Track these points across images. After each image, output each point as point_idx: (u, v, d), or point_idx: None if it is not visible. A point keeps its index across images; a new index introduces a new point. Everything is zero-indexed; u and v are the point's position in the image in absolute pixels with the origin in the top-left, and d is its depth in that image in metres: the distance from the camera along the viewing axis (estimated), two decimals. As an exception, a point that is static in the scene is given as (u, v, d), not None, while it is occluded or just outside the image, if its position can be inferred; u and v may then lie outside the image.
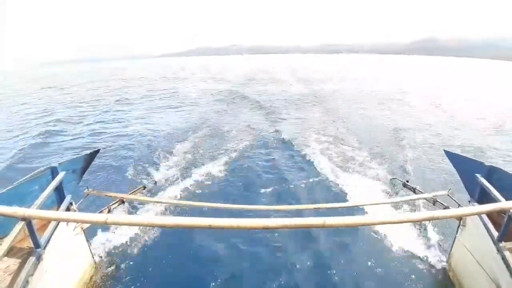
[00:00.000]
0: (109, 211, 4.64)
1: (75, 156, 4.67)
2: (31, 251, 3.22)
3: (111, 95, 25.18)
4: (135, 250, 5.24)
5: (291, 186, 7.92)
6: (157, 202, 6.54)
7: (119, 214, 4.87)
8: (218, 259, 5.04)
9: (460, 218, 4.15)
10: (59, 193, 4.04)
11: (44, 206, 3.35)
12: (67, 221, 3.62)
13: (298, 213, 5.08)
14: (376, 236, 5.53)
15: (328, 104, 19.67)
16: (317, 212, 4.21)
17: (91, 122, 16.09)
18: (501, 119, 15.57)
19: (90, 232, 4.62)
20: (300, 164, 9.42)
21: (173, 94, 25.41)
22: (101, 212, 4.46)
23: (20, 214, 2.70)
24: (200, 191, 7.62)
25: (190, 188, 7.72)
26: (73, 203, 4.21)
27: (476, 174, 4.00)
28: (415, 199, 5.88)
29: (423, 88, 27.66)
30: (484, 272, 3.46)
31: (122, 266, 4.87)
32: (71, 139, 12.98)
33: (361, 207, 6.14)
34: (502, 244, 3.23)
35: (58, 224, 3.69)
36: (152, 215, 6.25)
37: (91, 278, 4.49)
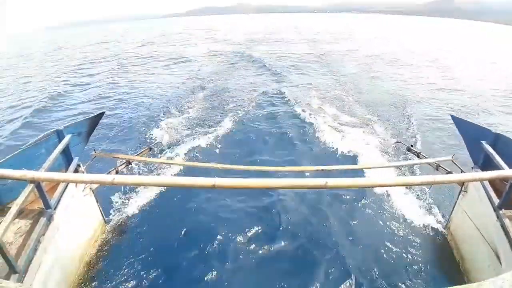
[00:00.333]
0: (116, 172, 4.74)
1: (80, 119, 4.69)
2: (41, 212, 3.34)
3: (113, 59, 24.76)
4: (143, 210, 5.44)
5: (294, 148, 8.00)
6: (162, 162, 6.67)
7: (125, 174, 4.98)
8: (221, 219, 5.20)
9: (462, 184, 4.18)
10: (66, 155, 4.10)
11: (52, 168, 3.42)
12: (75, 182, 3.69)
13: (301, 175, 5.16)
14: (377, 199, 5.63)
15: (334, 66, 19.21)
16: (320, 174, 4.26)
17: (94, 85, 16.02)
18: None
19: (100, 193, 4.74)
20: (304, 126, 9.42)
21: (177, 56, 24.90)
22: (108, 173, 4.57)
23: (29, 177, 2.78)
24: (204, 152, 7.74)
25: (194, 149, 7.83)
26: (81, 165, 4.29)
27: (481, 141, 3.97)
28: (418, 164, 5.90)
29: (435, 51, 26.57)
30: (483, 238, 3.54)
31: (131, 225, 5.08)
32: (74, 103, 13.01)
33: (364, 169, 6.19)
34: (502, 211, 3.27)
35: (67, 186, 3.80)
36: (158, 175, 6.42)
37: (101, 236, 4.70)
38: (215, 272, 4.15)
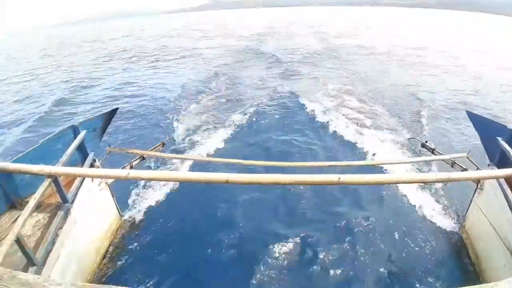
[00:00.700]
0: (131, 167, 4.82)
1: (94, 115, 4.78)
2: (59, 206, 3.43)
3: (123, 56, 24.94)
4: (157, 204, 5.57)
5: (307, 143, 7.98)
6: (176, 157, 6.75)
7: (140, 169, 5.07)
8: (234, 214, 5.26)
9: (477, 181, 4.12)
10: (82, 151, 4.19)
11: (69, 163, 3.49)
12: (91, 176, 3.80)
13: (314, 170, 5.17)
14: (391, 195, 5.61)
15: (346, 60, 19.02)
16: (333, 169, 4.25)
17: (107, 82, 16.21)
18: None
19: (115, 188, 4.84)
20: (317, 121, 9.41)
21: (188, 51, 24.98)
22: (123, 168, 4.65)
23: (47, 172, 2.86)
24: (217, 147, 7.79)
25: (207, 144, 7.89)
26: (96, 160, 4.38)
27: (497, 137, 3.90)
28: (433, 160, 5.83)
29: (448, 45, 26.02)
30: (499, 237, 3.48)
31: (146, 218, 5.20)
32: (88, 101, 13.21)
33: (377, 166, 6.15)
34: (519, 209, 3.19)
35: (83, 180, 3.89)
36: (172, 170, 6.51)
37: (117, 230, 4.81)
38: (230, 267, 4.22)
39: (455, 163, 4.51)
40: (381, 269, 4.13)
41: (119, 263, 4.27)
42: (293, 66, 17.22)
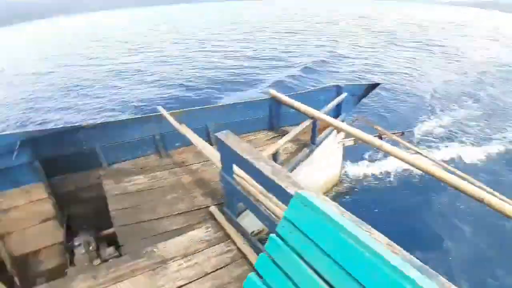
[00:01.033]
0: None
1: (357, 83, 5.36)
2: (307, 144, 4.32)
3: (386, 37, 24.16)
4: (379, 179, 5.86)
5: None
6: (412, 149, 6.59)
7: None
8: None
9: None
10: (337, 108, 4.89)
11: (327, 113, 4.21)
12: (346, 132, 4.11)
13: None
14: None
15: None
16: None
17: (368, 57, 16.67)
18: None
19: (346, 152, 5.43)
20: None
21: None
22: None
23: (311, 113, 3.67)
24: (468, 164, 6.80)
25: (454, 154, 7.07)
26: (345, 121, 5.03)
27: None
28: None
29: None
30: None
31: (361, 189, 5.62)
32: (344, 69, 14.24)
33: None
34: None
35: (330, 133, 4.63)
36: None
37: (334, 186, 5.52)
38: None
39: None
40: None
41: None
42: None
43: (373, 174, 6.04)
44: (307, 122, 3.89)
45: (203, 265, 2.64)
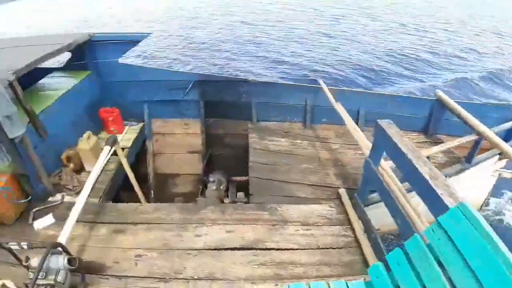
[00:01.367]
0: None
1: None
2: (461, 160, 3.90)
3: None
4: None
5: None
6: None
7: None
8: None
9: None
10: (510, 132, 4.18)
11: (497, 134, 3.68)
12: None
13: None
14: None
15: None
16: None
17: None
18: None
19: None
20: None
21: None
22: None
23: (478, 129, 3.30)
24: None
25: None
26: None
27: None
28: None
29: None
30: None
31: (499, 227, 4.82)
32: None
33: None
34: None
35: (491, 157, 3.99)
36: None
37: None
38: None
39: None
40: None
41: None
42: None
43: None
44: (471, 137, 3.48)
45: (317, 238, 2.79)
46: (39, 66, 3.16)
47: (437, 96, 4.38)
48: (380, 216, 2.87)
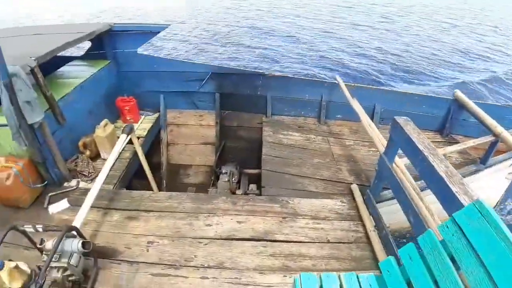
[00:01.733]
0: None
1: None
2: (475, 160, 3.83)
3: None
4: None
5: None
6: None
7: None
8: None
9: None
10: None
11: None
12: None
13: None
14: None
15: None
16: None
17: None
18: None
19: None
20: None
21: None
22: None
23: (496, 130, 3.22)
24: None
25: None
26: None
27: None
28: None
29: None
30: None
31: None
32: None
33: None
34: None
35: (507, 159, 3.92)
36: None
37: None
38: None
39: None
40: None
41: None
42: None
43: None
44: (488, 138, 3.40)
45: (327, 232, 2.79)
46: (59, 54, 3.22)
47: (455, 95, 4.30)
48: (391, 214, 2.85)
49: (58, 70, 4.13)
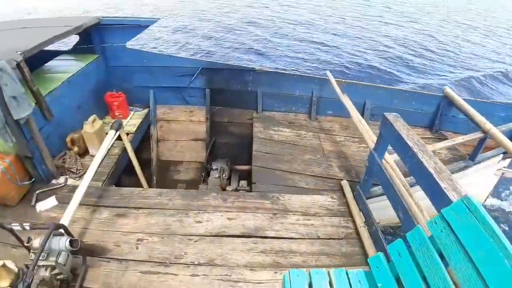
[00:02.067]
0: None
1: None
2: (464, 157, 3.90)
3: None
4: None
5: None
6: None
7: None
8: None
9: None
10: None
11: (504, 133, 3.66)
12: None
13: None
14: None
15: None
16: None
17: None
18: None
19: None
20: None
21: None
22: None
23: (484, 127, 3.26)
24: None
25: None
26: None
27: None
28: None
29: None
30: None
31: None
32: None
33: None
34: None
35: (495, 156, 3.97)
36: None
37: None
38: None
39: None
40: None
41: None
42: None
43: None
44: (477, 135, 3.44)
45: (317, 228, 2.80)
46: (46, 48, 3.15)
47: (444, 92, 4.34)
48: (380, 210, 2.88)
49: (45, 64, 4.04)
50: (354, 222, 2.85)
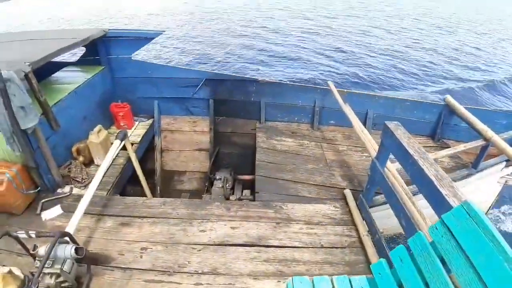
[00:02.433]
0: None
1: None
2: (466, 165, 3.90)
3: None
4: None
5: None
6: None
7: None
8: None
9: None
10: None
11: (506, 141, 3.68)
12: None
13: None
14: None
15: None
16: None
17: None
18: None
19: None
20: None
21: None
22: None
23: (486, 135, 3.28)
24: None
25: None
26: None
27: None
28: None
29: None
30: None
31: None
32: None
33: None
34: None
35: (498, 163, 3.97)
36: None
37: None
38: None
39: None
40: None
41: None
42: None
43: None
44: (479, 143, 3.46)
45: (321, 237, 2.80)
46: (54, 60, 3.23)
47: (446, 101, 4.37)
48: (384, 219, 2.88)
49: (52, 75, 4.13)
50: (357, 230, 2.86)
